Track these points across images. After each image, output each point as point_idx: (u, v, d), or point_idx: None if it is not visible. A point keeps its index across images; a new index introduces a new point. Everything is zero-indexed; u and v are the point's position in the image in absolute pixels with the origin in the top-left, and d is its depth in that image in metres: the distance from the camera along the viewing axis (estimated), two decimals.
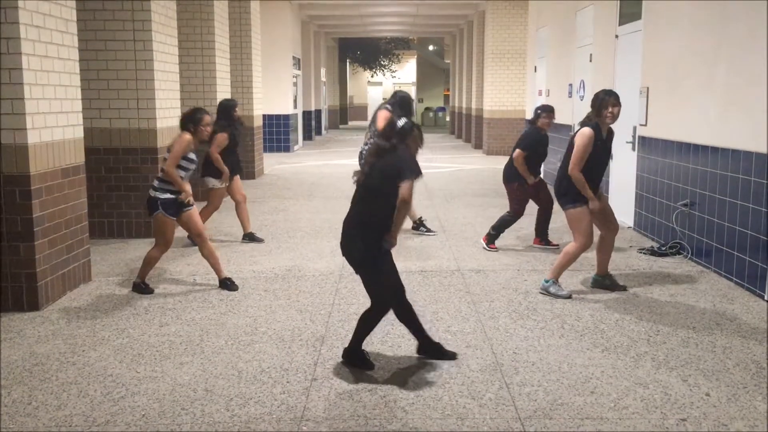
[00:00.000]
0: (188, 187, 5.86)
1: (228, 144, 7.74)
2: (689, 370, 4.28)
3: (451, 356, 4.46)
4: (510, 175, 7.57)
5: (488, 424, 3.62)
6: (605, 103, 5.63)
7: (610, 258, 6.08)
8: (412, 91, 47.72)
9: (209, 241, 6.11)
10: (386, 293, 4.25)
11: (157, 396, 3.96)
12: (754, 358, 4.46)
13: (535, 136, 7.48)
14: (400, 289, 4.34)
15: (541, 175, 7.73)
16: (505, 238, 7.81)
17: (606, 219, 5.95)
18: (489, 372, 4.26)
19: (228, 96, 11.99)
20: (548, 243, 7.70)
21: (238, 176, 8.02)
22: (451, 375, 4.21)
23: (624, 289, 5.98)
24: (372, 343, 4.74)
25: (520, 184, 7.48)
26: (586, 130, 5.64)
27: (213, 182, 7.74)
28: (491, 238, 7.58)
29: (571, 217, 5.79)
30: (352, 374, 4.24)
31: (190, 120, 5.90)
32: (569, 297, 5.76)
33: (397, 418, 3.67)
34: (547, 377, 4.18)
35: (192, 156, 5.90)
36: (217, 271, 6.11)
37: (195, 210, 5.99)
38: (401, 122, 4.28)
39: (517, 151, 7.40)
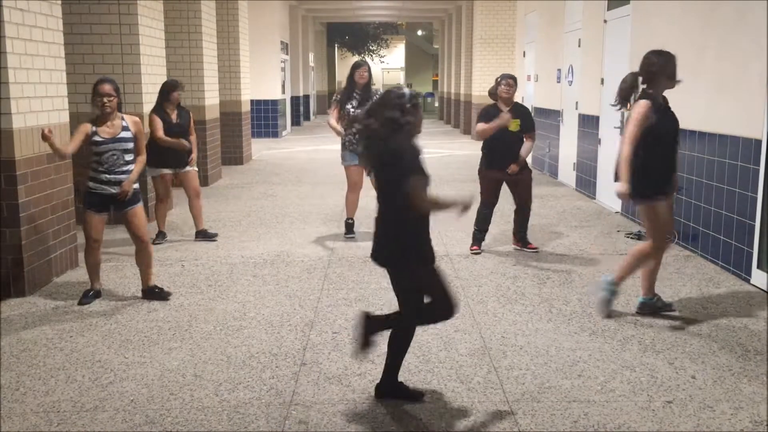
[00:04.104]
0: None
1: (169, 131, 7.03)
2: (675, 353, 4.31)
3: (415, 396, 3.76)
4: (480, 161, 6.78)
5: (477, 407, 3.64)
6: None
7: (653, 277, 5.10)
8: (401, 77, 47.54)
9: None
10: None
11: (146, 381, 3.95)
12: (740, 341, 4.50)
13: (488, 111, 6.58)
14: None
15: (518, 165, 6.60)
16: (494, 224, 7.78)
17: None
18: (477, 356, 4.28)
19: (216, 81, 11.90)
20: (526, 245, 6.85)
21: (192, 169, 7.28)
22: (439, 359, 4.23)
23: (671, 309, 5.09)
24: None
25: (481, 169, 6.73)
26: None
27: (152, 172, 7.13)
28: (476, 240, 6.83)
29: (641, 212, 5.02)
30: (340, 359, 4.25)
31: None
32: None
33: (386, 402, 3.68)
34: (535, 361, 4.21)
35: (97, 138, 5.15)
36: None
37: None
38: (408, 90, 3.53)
39: (478, 125, 6.52)
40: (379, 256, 3.59)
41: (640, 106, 4.76)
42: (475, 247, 6.80)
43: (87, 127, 5.18)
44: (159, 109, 7.15)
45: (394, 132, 3.43)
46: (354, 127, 7.18)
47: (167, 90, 7.19)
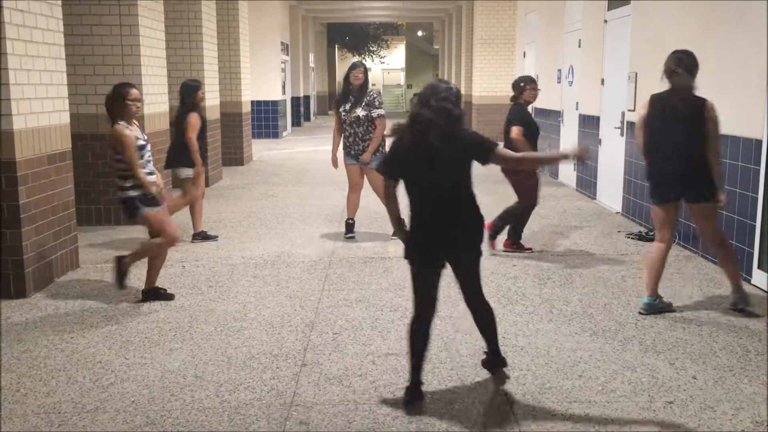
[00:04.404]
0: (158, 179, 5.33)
1: (200, 130, 7.05)
2: (676, 354, 4.31)
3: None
4: None
5: (477, 407, 3.64)
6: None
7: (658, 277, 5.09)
8: (401, 77, 47.52)
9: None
10: None
11: (147, 382, 3.95)
12: (740, 342, 4.50)
13: (523, 112, 6.62)
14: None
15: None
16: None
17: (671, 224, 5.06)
18: (478, 356, 4.27)
19: (216, 82, 11.90)
20: (521, 247, 6.82)
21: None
22: (440, 360, 4.23)
23: (672, 310, 5.09)
24: (361, 328, 4.76)
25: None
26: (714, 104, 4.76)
27: (186, 172, 7.06)
28: (494, 234, 6.66)
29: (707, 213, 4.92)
30: (341, 360, 4.25)
31: (114, 102, 5.10)
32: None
33: (387, 403, 3.69)
34: (536, 361, 4.21)
35: (142, 142, 5.19)
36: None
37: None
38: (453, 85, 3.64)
39: (515, 128, 6.41)
40: (467, 244, 3.70)
41: (715, 109, 4.72)
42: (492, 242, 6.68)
43: (130, 135, 5.08)
44: (194, 109, 7.07)
45: (450, 122, 3.48)
46: (350, 128, 7.15)
47: (194, 90, 7.13)
